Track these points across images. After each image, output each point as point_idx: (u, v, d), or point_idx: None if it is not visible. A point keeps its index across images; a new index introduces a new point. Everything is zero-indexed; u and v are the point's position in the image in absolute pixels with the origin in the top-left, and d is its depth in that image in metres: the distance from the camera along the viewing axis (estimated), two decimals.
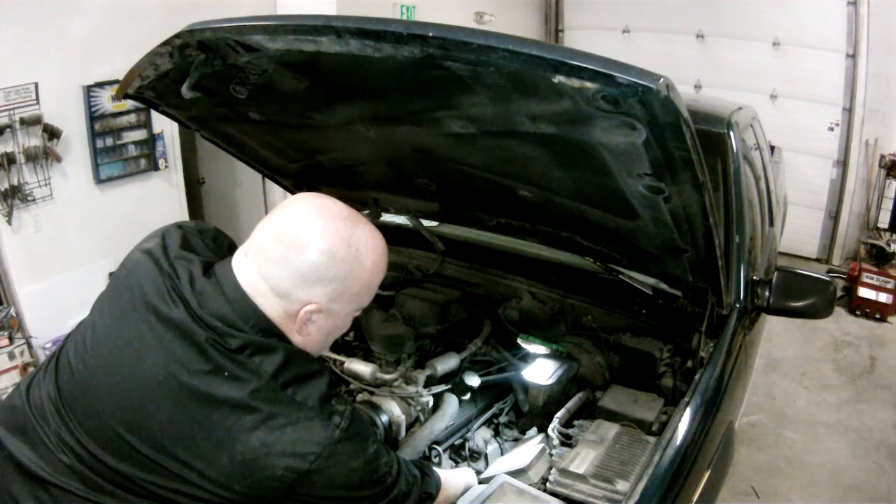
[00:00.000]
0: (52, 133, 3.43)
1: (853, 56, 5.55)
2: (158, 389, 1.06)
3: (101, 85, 3.61)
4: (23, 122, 3.30)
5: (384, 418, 1.73)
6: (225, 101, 1.67)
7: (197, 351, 1.06)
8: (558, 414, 1.78)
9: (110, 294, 1.21)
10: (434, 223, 2.51)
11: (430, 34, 1.13)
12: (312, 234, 1.11)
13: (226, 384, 1.05)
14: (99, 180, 3.77)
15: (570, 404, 1.84)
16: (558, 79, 1.11)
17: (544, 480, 1.55)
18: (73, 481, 1.08)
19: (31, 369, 3.36)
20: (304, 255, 1.10)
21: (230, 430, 1.05)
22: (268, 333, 1.12)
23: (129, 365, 1.09)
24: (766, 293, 2.03)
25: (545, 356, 1.98)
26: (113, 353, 1.12)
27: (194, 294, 1.11)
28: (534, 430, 1.87)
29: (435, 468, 1.43)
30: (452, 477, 1.51)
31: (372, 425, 1.70)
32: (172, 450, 1.05)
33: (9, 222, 3.37)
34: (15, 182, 3.34)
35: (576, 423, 1.77)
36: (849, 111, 5.70)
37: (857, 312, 5.09)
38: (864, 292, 5.05)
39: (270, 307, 1.13)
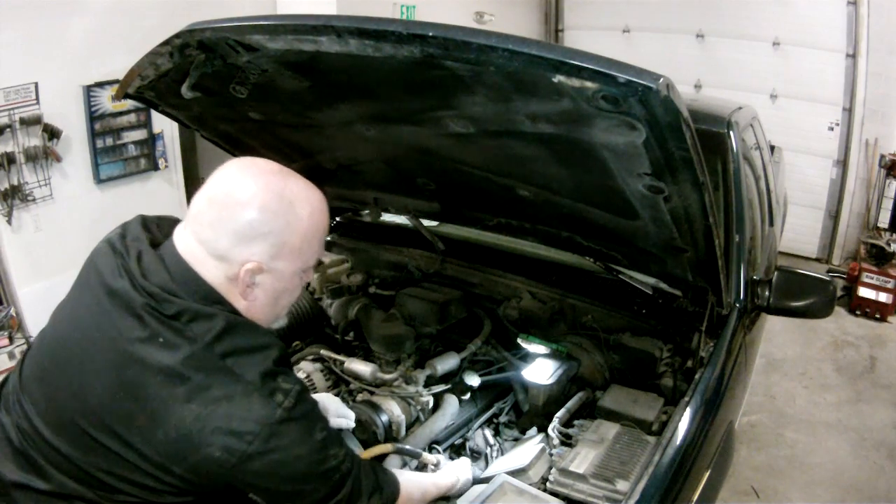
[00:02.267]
0: (52, 133, 3.43)
1: (853, 56, 5.55)
2: (100, 360, 1.06)
3: (101, 85, 3.61)
4: (23, 121, 3.31)
5: (384, 418, 1.73)
6: (225, 101, 1.67)
7: (134, 318, 1.05)
8: (558, 414, 1.78)
9: (75, 283, 1.22)
10: (434, 223, 2.51)
11: (430, 34, 1.13)
12: (243, 190, 1.09)
13: (160, 351, 1.03)
14: (99, 180, 3.78)
15: (570, 404, 1.83)
16: (558, 78, 1.11)
17: (544, 480, 1.55)
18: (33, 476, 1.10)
19: None
20: (238, 212, 1.08)
21: (164, 401, 1.02)
22: (209, 301, 1.09)
23: (76, 340, 1.10)
24: (766, 293, 2.03)
25: (545, 356, 1.98)
26: (67, 331, 1.14)
27: (139, 267, 1.10)
28: (534, 430, 1.87)
29: (419, 473, 1.42)
30: (440, 479, 1.50)
31: (372, 425, 1.71)
32: (112, 426, 1.04)
33: (9, 222, 3.37)
34: (15, 182, 3.35)
35: (576, 422, 1.77)
36: (849, 111, 5.70)
37: (857, 312, 5.09)
38: (864, 292, 5.05)
39: (210, 273, 1.11)
